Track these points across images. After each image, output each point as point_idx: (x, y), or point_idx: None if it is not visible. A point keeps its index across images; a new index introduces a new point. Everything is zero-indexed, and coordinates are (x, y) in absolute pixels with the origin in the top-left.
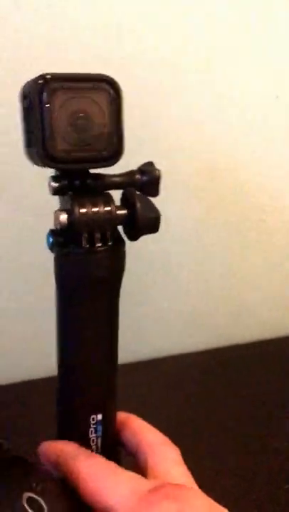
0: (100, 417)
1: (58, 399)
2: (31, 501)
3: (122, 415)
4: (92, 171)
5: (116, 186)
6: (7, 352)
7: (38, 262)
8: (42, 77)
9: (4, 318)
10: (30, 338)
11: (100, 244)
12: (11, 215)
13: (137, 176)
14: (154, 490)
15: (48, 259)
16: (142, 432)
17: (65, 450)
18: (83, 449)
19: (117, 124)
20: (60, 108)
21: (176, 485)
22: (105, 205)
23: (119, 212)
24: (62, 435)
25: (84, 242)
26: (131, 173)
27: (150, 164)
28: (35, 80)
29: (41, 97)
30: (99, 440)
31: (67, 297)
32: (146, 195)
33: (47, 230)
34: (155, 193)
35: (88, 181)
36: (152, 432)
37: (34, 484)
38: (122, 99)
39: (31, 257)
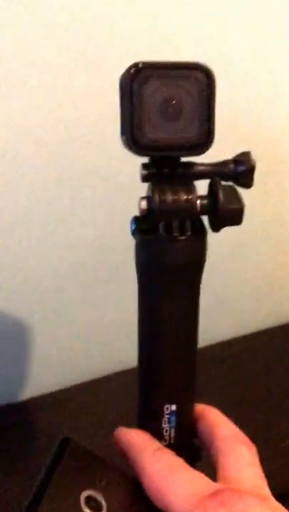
0: (173, 407)
1: (138, 386)
2: (89, 499)
3: (198, 406)
4: (183, 159)
5: (207, 176)
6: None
7: None
8: (135, 65)
9: None
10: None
11: (177, 234)
12: None
13: (231, 166)
14: (212, 495)
15: None
16: (217, 426)
17: (133, 441)
18: (152, 441)
19: (208, 112)
20: (151, 96)
21: (236, 491)
22: (186, 194)
23: (200, 201)
24: (139, 423)
25: (161, 230)
26: (224, 162)
27: (246, 154)
28: (128, 69)
29: (132, 85)
30: (172, 431)
31: (145, 284)
32: (240, 186)
33: None
34: (249, 183)
35: (178, 170)
36: (228, 427)
37: (98, 481)
38: (214, 88)
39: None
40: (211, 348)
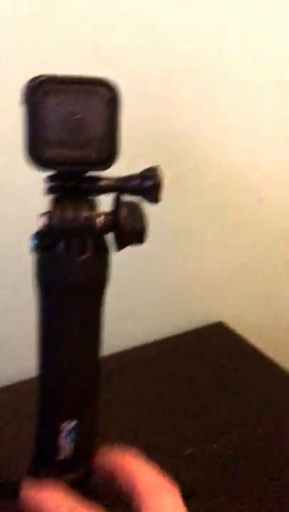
0: (73, 423)
1: (37, 403)
2: None
3: (117, 454)
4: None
5: (113, 190)
6: None
7: None
8: (36, 78)
9: None
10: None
11: (76, 252)
12: None
13: (137, 181)
14: None
15: None
16: (137, 475)
17: (44, 504)
18: (65, 500)
19: (112, 127)
20: (53, 110)
21: None
22: (87, 211)
23: (101, 219)
24: (36, 441)
25: (60, 249)
26: (130, 177)
27: (153, 169)
28: (29, 81)
29: (33, 98)
30: (70, 448)
31: (43, 299)
32: (148, 201)
33: None
34: (156, 199)
35: (83, 184)
36: (148, 474)
37: None
38: (119, 103)
39: None
40: (119, 355)
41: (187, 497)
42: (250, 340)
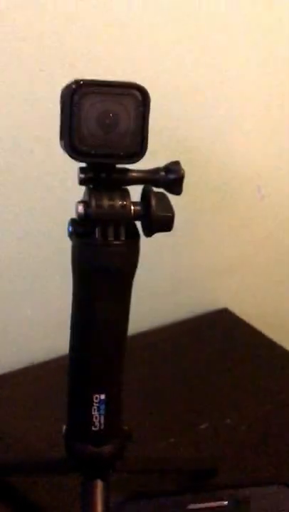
0: (102, 396)
1: (69, 378)
2: None
3: None
4: (118, 165)
5: (140, 181)
6: None
7: None
8: (76, 82)
9: None
10: None
11: (112, 238)
12: None
13: (162, 174)
14: None
15: None
16: None
17: None
18: None
19: (141, 125)
20: (89, 109)
21: None
22: (121, 200)
23: (134, 207)
24: (69, 411)
25: (98, 235)
26: (156, 170)
27: (176, 163)
28: (69, 84)
29: (72, 99)
30: (102, 418)
31: (80, 283)
32: (170, 193)
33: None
34: (178, 191)
35: (114, 175)
36: None
37: None
38: (148, 105)
39: None
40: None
41: None
42: (253, 324)
